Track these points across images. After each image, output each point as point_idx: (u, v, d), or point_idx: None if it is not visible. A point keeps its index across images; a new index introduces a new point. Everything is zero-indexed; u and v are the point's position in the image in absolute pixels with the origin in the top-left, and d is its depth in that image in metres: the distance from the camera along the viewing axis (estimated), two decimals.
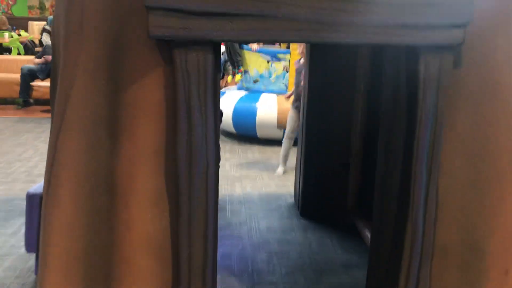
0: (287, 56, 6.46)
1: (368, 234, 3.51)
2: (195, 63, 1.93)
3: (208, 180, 2.00)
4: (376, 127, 3.85)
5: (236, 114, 6.47)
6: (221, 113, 3.55)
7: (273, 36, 1.98)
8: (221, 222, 4.04)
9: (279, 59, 6.54)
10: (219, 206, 4.69)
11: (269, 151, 6.37)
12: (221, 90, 7.45)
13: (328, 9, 1.89)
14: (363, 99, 3.90)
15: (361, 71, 3.86)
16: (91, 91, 2.12)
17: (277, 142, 6.47)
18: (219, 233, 4.15)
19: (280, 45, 7.46)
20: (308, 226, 4.06)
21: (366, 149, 4.04)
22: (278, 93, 6.52)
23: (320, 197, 4.19)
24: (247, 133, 6.64)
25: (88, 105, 2.13)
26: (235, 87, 7.42)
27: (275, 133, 6.40)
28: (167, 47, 1.96)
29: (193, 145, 1.95)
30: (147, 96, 2.04)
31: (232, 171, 5.59)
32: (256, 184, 5.15)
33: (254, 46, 6.49)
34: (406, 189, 2.17)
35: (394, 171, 2.32)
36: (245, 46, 6.65)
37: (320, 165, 4.17)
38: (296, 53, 5.95)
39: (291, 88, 5.77)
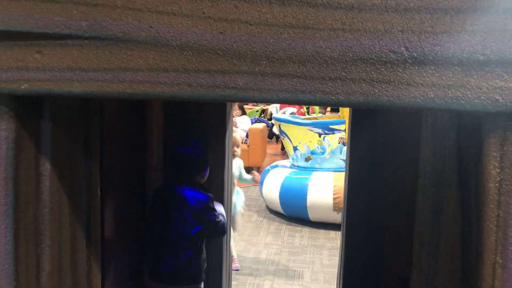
0: (342, 126, 5.24)
1: None
2: None
3: None
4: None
5: (283, 192, 5.31)
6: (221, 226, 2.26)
7: (137, 88, 0.88)
8: None
9: (332, 131, 5.32)
10: None
11: (322, 236, 5.07)
12: (273, 164, 6.35)
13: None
14: (430, 186, 2.57)
15: (427, 146, 2.57)
16: None
17: (332, 226, 5.16)
18: None
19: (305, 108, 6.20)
20: None
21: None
22: (336, 171, 5.25)
23: None
24: (296, 215, 5.42)
25: None
26: (287, 160, 6.26)
27: (331, 217, 5.11)
28: None
29: None
30: None
31: (268, 262, 4.38)
32: (292, 286, 3.88)
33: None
34: None
35: None
36: (291, 119, 5.57)
37: (368, 281, 2.84)
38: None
39: None
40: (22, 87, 0.89)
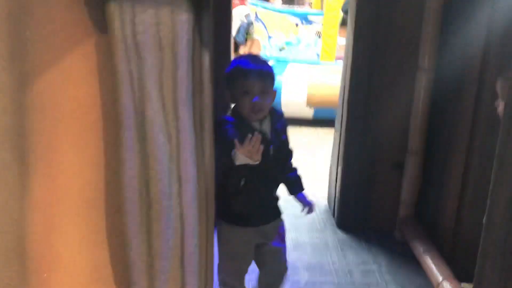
0: (320, 18, 5.29)
1: (432, 266, 2.53)
2: (154, 32, 0.95)
3: (186, 265, 1.04)
4: (443, 115, 2.83)
5: None
6: (290, 152, 2.07)
7: None
8: None
9: (310, 22, 5.36)
10: None
11: (296, 133, 5.36)
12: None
13: None
14: (428, 78, 2.84)
15: (427, 38, 2.78)
16: None
17: (306, 122, 5.45)
18: None
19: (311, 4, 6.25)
20: (346, 243, 3.11)
21: (429, 144, 3.01)
22: (309, 63, 5.38)
23: (363, 205, 3.22)
24: None
25: None
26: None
27: (304, 112, 5.36)
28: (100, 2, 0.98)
29: (151, 191, 0.99)
30: (70, 95, 1.08)
31: None
32: None
33: (277, 4, 5.27)
34: None
35: None
36: (268, 5, 5.49)
37: (365, 164, 3.17)
38: (332, 15, 4.81)
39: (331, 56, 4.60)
40: None
